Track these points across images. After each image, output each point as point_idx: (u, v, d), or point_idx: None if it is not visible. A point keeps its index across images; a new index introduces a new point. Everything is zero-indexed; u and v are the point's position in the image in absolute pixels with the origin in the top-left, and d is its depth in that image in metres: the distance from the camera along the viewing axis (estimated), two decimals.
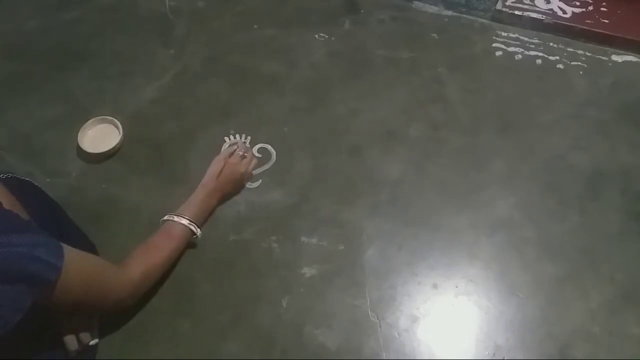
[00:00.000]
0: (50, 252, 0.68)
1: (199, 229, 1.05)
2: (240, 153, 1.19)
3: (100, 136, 1.27)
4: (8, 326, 0.62)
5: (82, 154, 1.24)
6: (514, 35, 1.56)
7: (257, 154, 1.27)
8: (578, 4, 1.58)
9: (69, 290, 0.72)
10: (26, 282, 0.64)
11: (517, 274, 1.10)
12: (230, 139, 1.29)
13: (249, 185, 1.22)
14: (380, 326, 1.03)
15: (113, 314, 0.96)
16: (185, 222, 1.02)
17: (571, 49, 1.52)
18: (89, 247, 1.05)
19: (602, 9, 1.57)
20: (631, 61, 1.50)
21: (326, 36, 1.54)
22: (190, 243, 1.07)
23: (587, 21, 1.54)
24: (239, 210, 1.17)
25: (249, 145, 1.27)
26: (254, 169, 1.23)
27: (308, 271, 1.09)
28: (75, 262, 0.73)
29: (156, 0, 1.62)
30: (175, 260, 1.03)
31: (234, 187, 1.18)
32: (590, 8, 1.57)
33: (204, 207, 1.09)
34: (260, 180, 1.23)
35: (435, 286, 1.08)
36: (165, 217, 1.03)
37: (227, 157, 1.16)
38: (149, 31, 1.54)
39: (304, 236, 1.14)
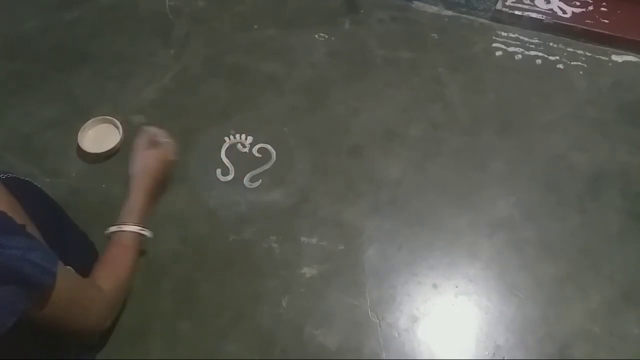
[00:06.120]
0: (45, 257, 0.67)
1: (148, 231, 1.00)
2: (163, 140, 1.10)
3: (100, 136, 1.27)
4: (2, 329, 0.61)
5: (82, 154, 1.24)
6: (514, 35, 1.56)
7: (257, 154, 1.27)
8: (578, 4, 1.58)
9: (53, 303, 0.69)
10: (20, 285, 0.63)
11: (517, 274, 1.10)
12: (230, 139, 1.29)
13: (249, 185, 1.22)
14: (380, 326, 1.03)
15: (90, 339, 0.91)
16: (135, 229, 0.97)
17: (571, 49, 1.52)
18: (89, 246, 1.04)
19: (602, 9, 1.57)
20: (631, 61, 1.50)
21: (326, 36, 1.54)
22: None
23: (587, 21, 1.53)
24: (239, 210, 1.17)
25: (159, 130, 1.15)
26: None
27: (308, 271, 1.09)
28: (62, 274, 0.71)
29: (156, 0, 1.62)
30: (136, 268, 0.97)
31: (168, 176, 1.12)
32: (590, 8, 1.57)
33: (147, 208, 1.03)
34: (260, 180, 1.23)
35: (435, 286, 1.08)
36: (113, 229, 0.96)
37: (148, 148, 1.08)
38: (149, 31, 1.54)
39: (304, 236, 1.14)
